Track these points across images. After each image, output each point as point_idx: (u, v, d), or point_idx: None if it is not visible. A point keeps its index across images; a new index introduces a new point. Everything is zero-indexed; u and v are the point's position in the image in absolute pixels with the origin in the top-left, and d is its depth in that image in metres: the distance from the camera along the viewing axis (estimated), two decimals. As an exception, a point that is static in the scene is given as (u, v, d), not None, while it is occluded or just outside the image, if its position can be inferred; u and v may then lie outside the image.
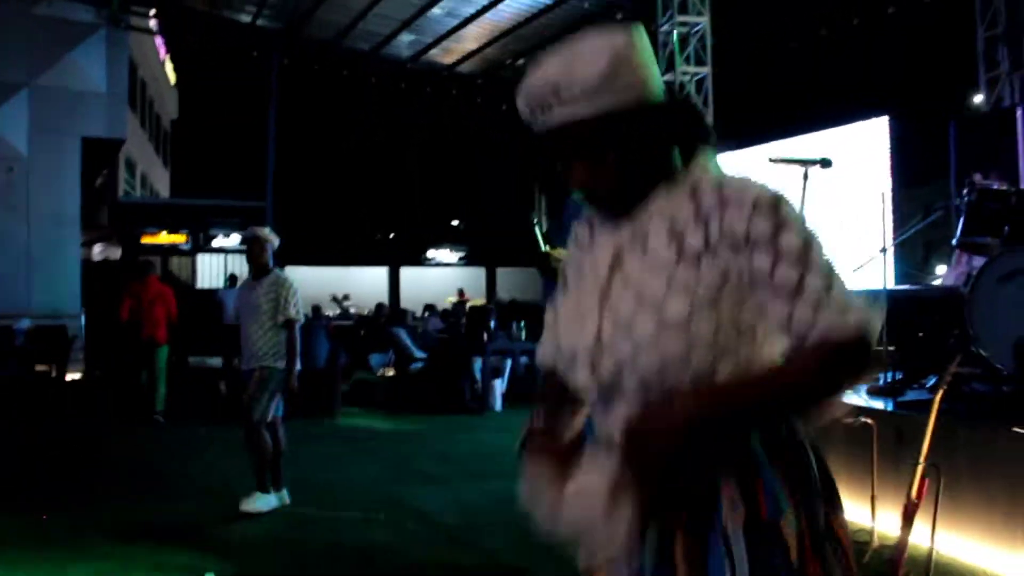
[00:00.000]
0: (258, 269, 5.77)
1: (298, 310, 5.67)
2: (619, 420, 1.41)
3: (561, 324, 1.57)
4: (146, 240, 19.98)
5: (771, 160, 3.75)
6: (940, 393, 4.04)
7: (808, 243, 1.35)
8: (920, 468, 3.99)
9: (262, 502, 5.63)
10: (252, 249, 5.79)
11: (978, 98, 9.96)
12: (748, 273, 1.36)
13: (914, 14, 11.06)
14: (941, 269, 18.15)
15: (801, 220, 1.38)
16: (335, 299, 13.55)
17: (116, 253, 20.76)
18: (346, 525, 5.50)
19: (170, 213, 20.84)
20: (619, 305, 1.43)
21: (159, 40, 24.55)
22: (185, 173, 29.19)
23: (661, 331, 1.37)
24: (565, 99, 1.40)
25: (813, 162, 3.61)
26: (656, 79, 1.48)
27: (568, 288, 1.61)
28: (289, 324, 5.62)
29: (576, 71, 1.39)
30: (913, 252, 9.86)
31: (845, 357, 1.32)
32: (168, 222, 20.24)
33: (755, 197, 1.37)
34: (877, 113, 10.11)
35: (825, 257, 1.36)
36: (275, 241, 5.82)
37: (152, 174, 26.93)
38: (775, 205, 1.37)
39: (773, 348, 1.40)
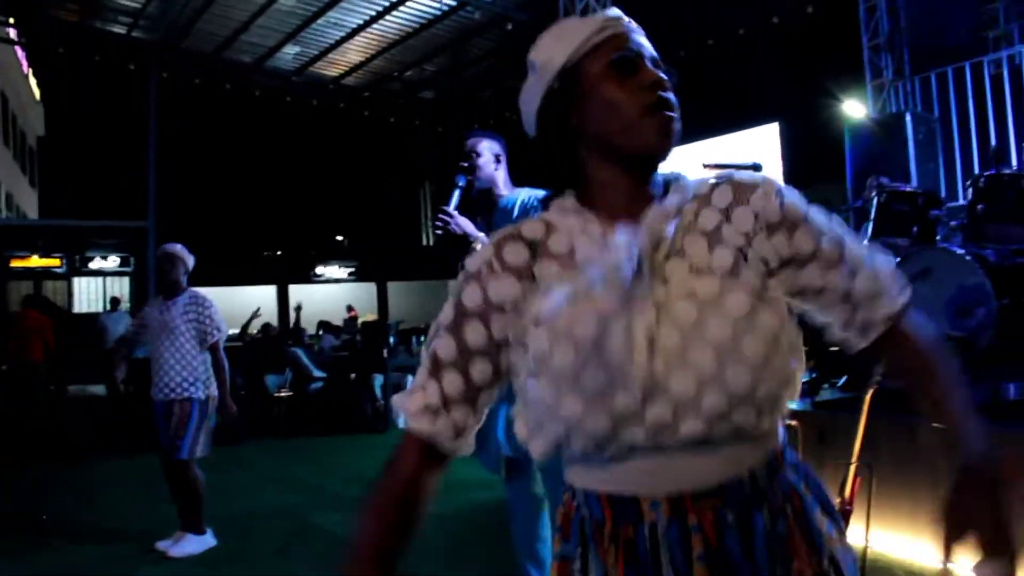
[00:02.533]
0: (169, 288, 5.42)
1: (221, 327, 5.35)
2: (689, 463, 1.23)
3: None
4: (16, 264, 18.90)
5: (704, 165, 3.74)
6: (871, 392, 4.09)
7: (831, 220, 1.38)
8: (853, 468, 4.03)
9: (195, 544, 5.30)
10: (162, 266, 5.45)
11: (851, 106, 10.20)
12: (790, 254, 1.31)
13: (798, 24, 11.43)
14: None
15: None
16: (255, 315, 12.92)
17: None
18: (265, 558, 5.25)
19: (43, 235, 19.72)
20: (705, 325, 1.21)
21: (20, 52, 23.37)
22: (55, 193, 27.89)
23: (769, 350, 1.22)
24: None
25: (745, 167, 3.61)
26: None
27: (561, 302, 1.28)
28: (215, 346, 5.32)
29: None
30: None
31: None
32: (40, 245, 19.19)
33: (774, 184, 1.38)
34: (768, 120, 10.42)
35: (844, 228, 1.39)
36: (189, 260, 5.48)
37: (18, 194, 25.63)
38: (788, 192, 1.38)
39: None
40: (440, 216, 3.40)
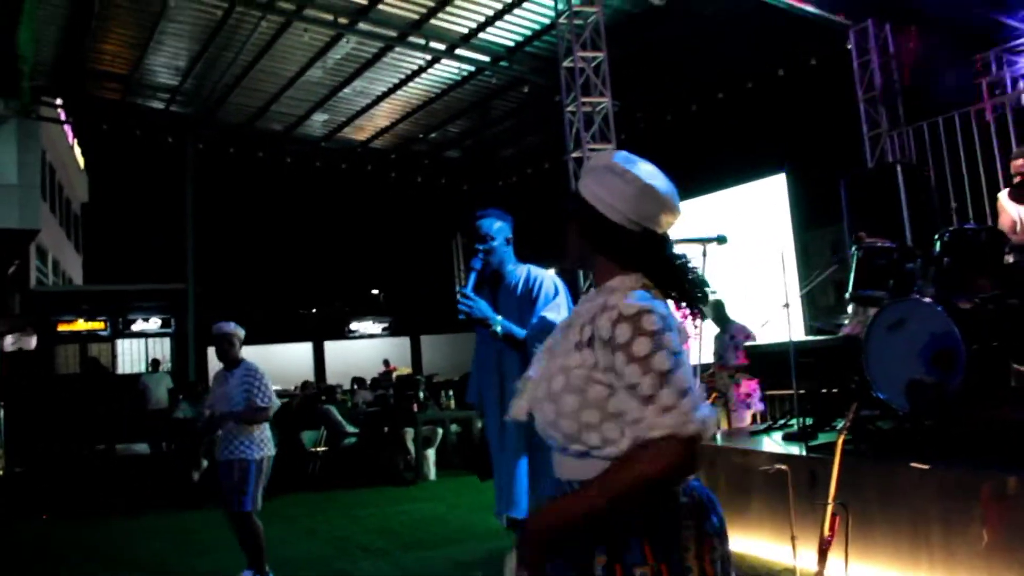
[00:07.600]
0: (229, 362, 6.00)
1: (270, 397, 5.89)
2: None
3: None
4: (63, 328, 19.66)
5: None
6: (841, 438, 4.41)
7: (656, 352, 1.71)
8: (830, 508, 4.35)
9: None
10: (221, 345, 6.00)
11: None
12: (611, 367, 1.76)
13: (802, 76, 11.78)
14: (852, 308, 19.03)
15: (656, 330, 1.73)
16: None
17: (31, 343, 20.33)
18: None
19: (87, 300, 20.52)
20: (546, 386, 1.87)
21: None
22: (99, 258, 28.78)
23: (576, 405, 1.80)
24: None
25: (710, 240, 4.00)
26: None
27: None
28: (263, 412, 5.86)
29: None
30: (825, 294, 10.39)
31: (680, 455, 1.69)
32: (85, 309, 19.96)
33: (621, 308, 1.76)
34: (775, 171, 10.73)
35: (672, 365, 1.71)
36: (241, 333, 6.05)
37: (64, 260, 26.49)
38: (636, 316, 1.74)
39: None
40: (462, 301, 3.78)
